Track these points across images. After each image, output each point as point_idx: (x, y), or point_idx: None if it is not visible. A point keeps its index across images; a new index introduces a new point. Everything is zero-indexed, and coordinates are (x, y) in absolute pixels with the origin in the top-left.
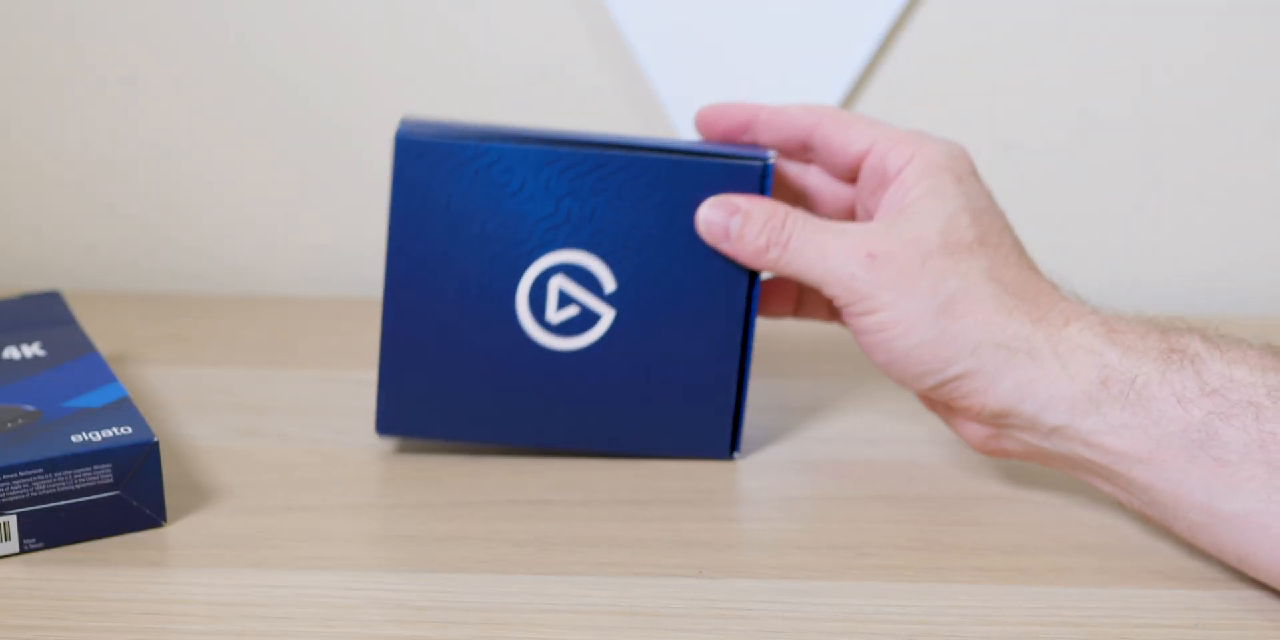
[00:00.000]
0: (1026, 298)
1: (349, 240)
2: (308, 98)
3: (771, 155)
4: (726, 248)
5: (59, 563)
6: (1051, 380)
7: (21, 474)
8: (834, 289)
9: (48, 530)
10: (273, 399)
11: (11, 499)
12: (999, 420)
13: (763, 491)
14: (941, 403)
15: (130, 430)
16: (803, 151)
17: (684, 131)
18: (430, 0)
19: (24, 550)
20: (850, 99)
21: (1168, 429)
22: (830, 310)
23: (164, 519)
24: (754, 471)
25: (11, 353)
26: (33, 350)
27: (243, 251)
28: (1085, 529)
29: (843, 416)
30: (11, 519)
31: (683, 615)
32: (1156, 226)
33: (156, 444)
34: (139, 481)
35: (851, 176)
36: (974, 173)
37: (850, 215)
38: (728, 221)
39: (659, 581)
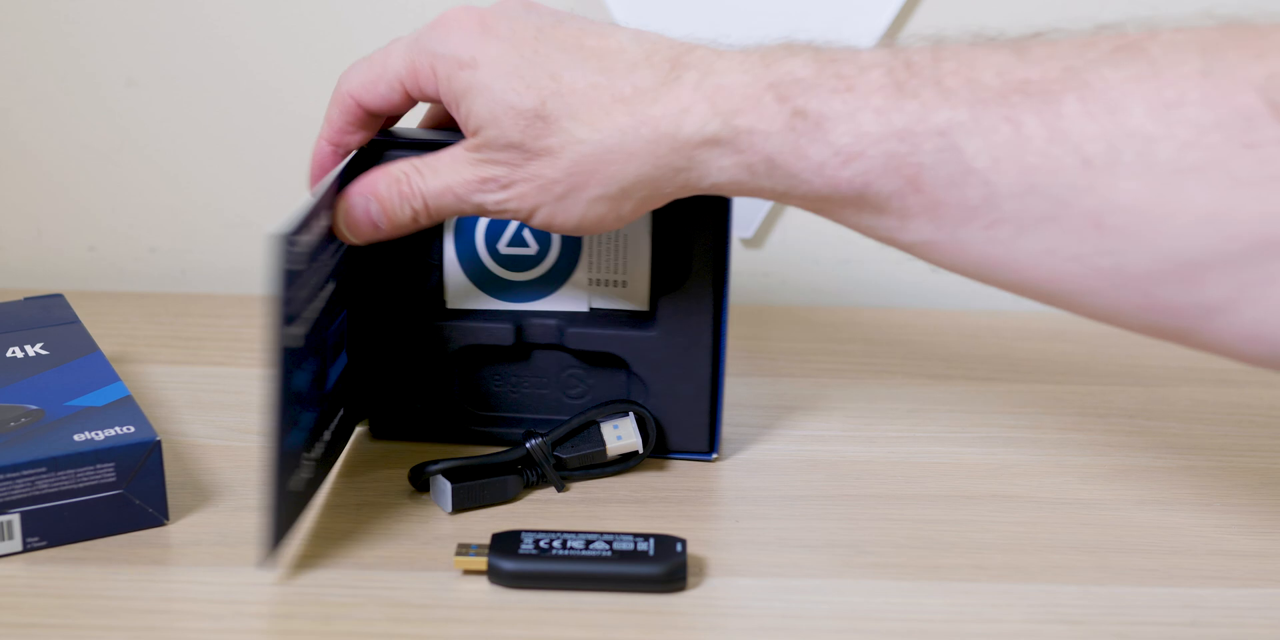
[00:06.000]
0: (619, 105)
1: None
2: (308, 99)
3: None
4: (384, 234)
5: (62, 561)
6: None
7: (25, 473)
8: (488, 218)
9: (51, 529)
10: None
11: (15, 498)
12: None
13: (762, 490)
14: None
15: (133, 429)
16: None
17: None
18: (430, 3)
19: (27, 549)
20: None
21: (818, 189)
22: None
23: (166, 517)
24: (753, 470)
25: (14, 352)
26: (35, 349)
27: (243, 252)
28: (1083, 527)
29: (841, 415)
30: (15, 517)
31: (683, 614)
32: None
33: (159, 443)
34: (141, 480)
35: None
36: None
37: None
38: (370, 216)
39: None
